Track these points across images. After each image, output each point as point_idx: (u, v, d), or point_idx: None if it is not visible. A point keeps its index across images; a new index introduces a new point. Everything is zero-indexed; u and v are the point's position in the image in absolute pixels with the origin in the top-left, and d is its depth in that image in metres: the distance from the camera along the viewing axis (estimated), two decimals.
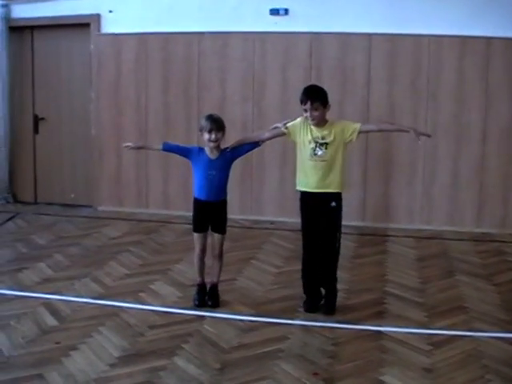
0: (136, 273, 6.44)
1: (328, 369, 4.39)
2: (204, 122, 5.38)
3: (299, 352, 4.65)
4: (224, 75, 8.56)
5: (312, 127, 5.32)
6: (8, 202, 9.40)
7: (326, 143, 5.27)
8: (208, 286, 5.61)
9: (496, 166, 8.05)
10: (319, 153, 5.28)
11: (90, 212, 9.04)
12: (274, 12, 8.29)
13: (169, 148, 5.59)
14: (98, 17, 8.79)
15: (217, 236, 5.58)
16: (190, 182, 8.67)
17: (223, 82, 8.58)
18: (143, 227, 8.25)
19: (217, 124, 5.36)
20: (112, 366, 4.39)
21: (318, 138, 5.28)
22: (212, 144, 5.37)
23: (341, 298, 5.63)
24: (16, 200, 9.51)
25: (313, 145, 5.29)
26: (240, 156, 5.59)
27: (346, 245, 6.98)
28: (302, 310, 5.45)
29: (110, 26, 8.81)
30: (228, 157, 5.49)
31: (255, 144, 5.62)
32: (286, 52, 8.35)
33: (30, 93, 9.35)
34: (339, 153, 5.31)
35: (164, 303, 5.59)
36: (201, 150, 5.47)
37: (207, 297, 5.56)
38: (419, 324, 5.19)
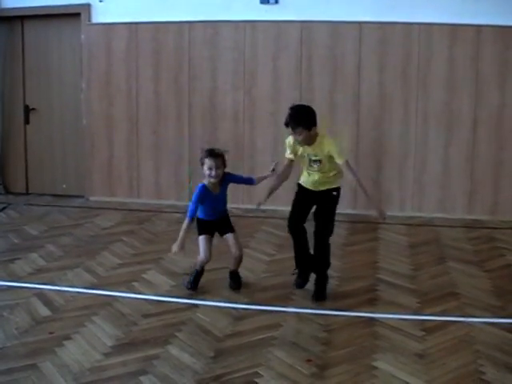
0: (128, 262, 6.45)
1: (321, 355, 4.42)
2: (205, 159, 5.36)
3: (292, 339, 4.68)
4: (215, 64, 8.55)
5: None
6: None
7: (319, 160, 5.34)
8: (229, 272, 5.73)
9: (486, 154, 8.08)
10: (314, 165, 5.38)
11: (81, 202, 9.03)
12: (265, 1, 8.28)
13: (194, 214, 5.42)
14: (88, 6, 8.75)
15: (230, 236, 5.62)
16: (181, 172, 8.75)
17: (214, 70, 8.57)
18: (135, 217, 8.25)
19: (217, 162, 5.34)
20: (106, 355, 4.40)
21: (310, 155, 5.36)
22: (212, 180, 5.37)
23: (333, 285, 5.68)
24: (7, 191, 9.49)
25: (306, 159, 5.39)
26: (234, 183, 5.65)
27: (338, 232, 6.99)
28: (294, 297, 5.47)
29: (100, 16, 8.78)
30: (227, 185, 5.55)
31: (251, 181, 5.72)
32: (276, 40, 8.35)
33: (21, 83, 9.32)
34: (333, 163, 5.35)
35: (157, 292, 5.60)
36: (204, 188, 5.42)
37: (230, 281, 5.68)
38: (411, 310, 5.22)
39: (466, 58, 7.94)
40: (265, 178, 5.72)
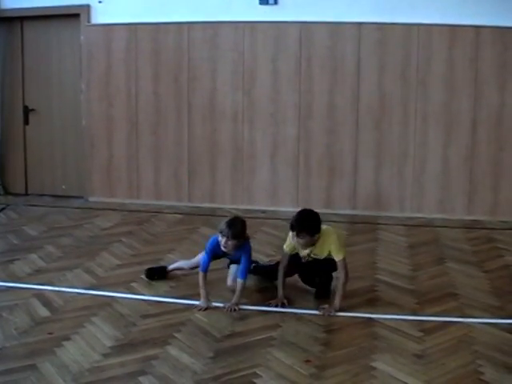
0: (128, 263, 6.45)
1: (320, 356, 4.42)
2: (223, 227, 5.23)
3: (291, 340, 4.68)
4: (214, 65, 8.55)
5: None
6: None
7: (319, 257, 5.37)
8: None
9: (486, 154, 8.08)
10: (310, 260, 5.43)
11: (81, 203, 9.03)
12: (264, 1, 8.28)
13: (207, 266, 5.36)
14: (87, 7, 8.75)
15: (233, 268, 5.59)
16: (181, 173, 8.75)
17: (213, 71, 8.57)
18: (135, 218, 8.24)
19: (232, 234, 5.20)
20: (105, 355, 4.40)
21: (310, 254, 5.38)
22: (223, 249, 5.28)
23: (332, 286, 5.66)
24: (7, 192, 9.49)
25: (307, 258, 5.42)
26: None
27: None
28: (293, 298, 5.47)
29: (99, 17, 8.78)
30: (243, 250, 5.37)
31: (242, 274, 5.38)
32: (276, 41, 8.35)
33: (20, 84, 9.31)
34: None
35: (156, 293, 5.60)
36: (218, 245, 5.31)
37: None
38: (410, 311, 5.22)
39: (465, 59, 7.95)
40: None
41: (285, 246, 5.45)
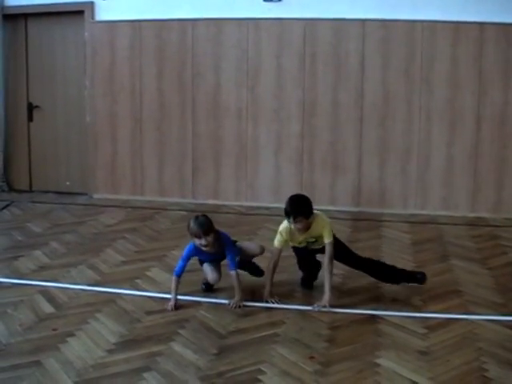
0: (132, 259, 6.46)
1: (324, 352, 4.42)
2: (192, 227, 5.21)
3: (295, 336, 4.68)
4: (218, 62, 8.56)
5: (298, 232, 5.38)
6: (3, 191, 9.40)
7: (316, 240, 5.40)
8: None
9: (490, 151, 8.08)
10: (312, 246, 5.47)
11: (85, 200, 9.05)
12: None
13: (181, 271, 5.28)
14: (91, 4, 8.76)
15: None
16: (185, 170, 8.75)
17: (217, 68, 8.57)
18: (139, 214, 8.26)
19: (204, 230, 5.16)
20: (109, 351, 4.41)
21: (307, 238, 5.40)
22: (205, 249, 5.23)
23: (337, 282, 5.68)
24: (11, 188, 9.51)
25: (304, 243, 5.45)
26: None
27: (342, 230, 7.03)
28: (298, 294, 5.50)
29: (103, 14, 8.79)
30: (222, 250, 5.34)
31: (232, 266, 5.33)
32: (280, 38, 8.35)
33: (24, 81, 9.33)
34: None
35: (160, 289, 5.60)
36: (195, 247, 5.30)
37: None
38: (414, 308, 5.22)
39: (469, 56, 7.94)
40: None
41: (276, 242, 5.38)
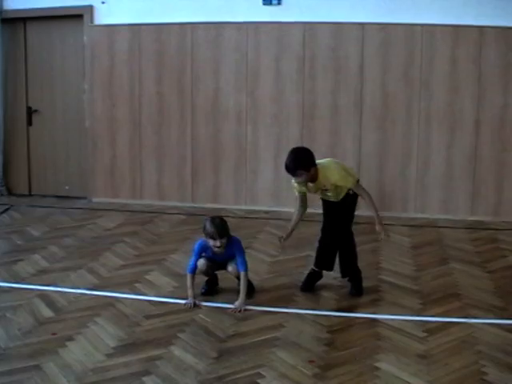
0: (131, 263, 6.45)
1: (324, 356, 4.42)
2: (208, 229, 5.23)
3: (295, 340, 4.68)
4: (217, 65, 8.56)
5: (308, 183, 5.40)
6: (2, 195, 9.39)
7: (329, 189, 5.39)
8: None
9: (489, 155, 8.08)
10: (328, 193, 5.46)
11: (84, 203, 9.04)
12: (267, 2, 8.28)
13: (195, 267, 5.36)
14: (90, 8, 8.76)
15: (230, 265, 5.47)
16: (184, 173, 8.76)
17: (217, 72, 8.57)
18: (138, 218, 8.25)
19: (219, 233, 5.21)
20: (109, 355, 4.40)
21: (319, 188, 5.41)
22: (217, 249, 5.28)
23: (336, 286, 5.69)
24: (10, 192, 9.51)
25: (319, 192, 5.48)
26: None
27: None
28: (298, 298, 5.49)
29: (102, 17, 8.79)
30: (230, 251, 5.36)
31: (241, 268, 5.33)
32: (279, 42, 8.35)
33: (23, 85, 9.33)
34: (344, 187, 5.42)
35: (160, 293, 5.61)
36: (207, 246, 5.34)
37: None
38: (414, 311, 5.22)
39: (468, 59, 7.94)
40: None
41: (294, 190, 5.51)
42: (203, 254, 5.41)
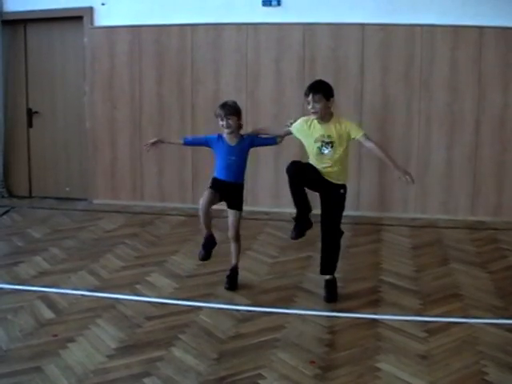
0: (132, 265, 6.45)
1: (324, 357, 4.42)
2: (217, 109, 5.53)
3: (295, 341, 4.68)
4: (217, 66, 8.56)
5: (316, 124, 5.33)
6: (3, 197, 9.39)
7: (332, 142, 5.28)
8: (229, 269, 5.76)
9: (489, 155, 8.08)
10: (325, 151, 5.31)
11: (85, 205, 9.04)
12: (267, 3, 8.29)
13: (190, 142, 5.87)
14: (90, 10, 8.77)
15: (232, 213, 5.70)
16: (185, 174, 8.76)
17: (217, 73, 8.58)
18: (138, 220, 8.25)
19: (226, 110, 5.48)
20: (110, 357, 4.41)
21: (324, 136, 5.30)
22: (226, 130, 5.49)
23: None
24: (11, 194, 9.50)
25: (319, 144, 5.32)
26: (256, 146, 5.73)
27: None
28: (298, 299, 5.49)
29: (103, 19, 8.79)
30: (246, 144, 5.62)
31: (273, 140, 5.70)
32: (279, 43, 8.35)
33: (24, 87, 9.33)
34: (345, 150, 5.35)
35: (160, 295, 5.61)
36: (220, 137, 5.60)
37: (228, 282, 5.68)
38: (414, 312, 5.22)
39: (468, 60, 7.94)
40: (285, 135, 5.68)
41: (292, 126, 5.52)
42: (217, 152, 5.63)
